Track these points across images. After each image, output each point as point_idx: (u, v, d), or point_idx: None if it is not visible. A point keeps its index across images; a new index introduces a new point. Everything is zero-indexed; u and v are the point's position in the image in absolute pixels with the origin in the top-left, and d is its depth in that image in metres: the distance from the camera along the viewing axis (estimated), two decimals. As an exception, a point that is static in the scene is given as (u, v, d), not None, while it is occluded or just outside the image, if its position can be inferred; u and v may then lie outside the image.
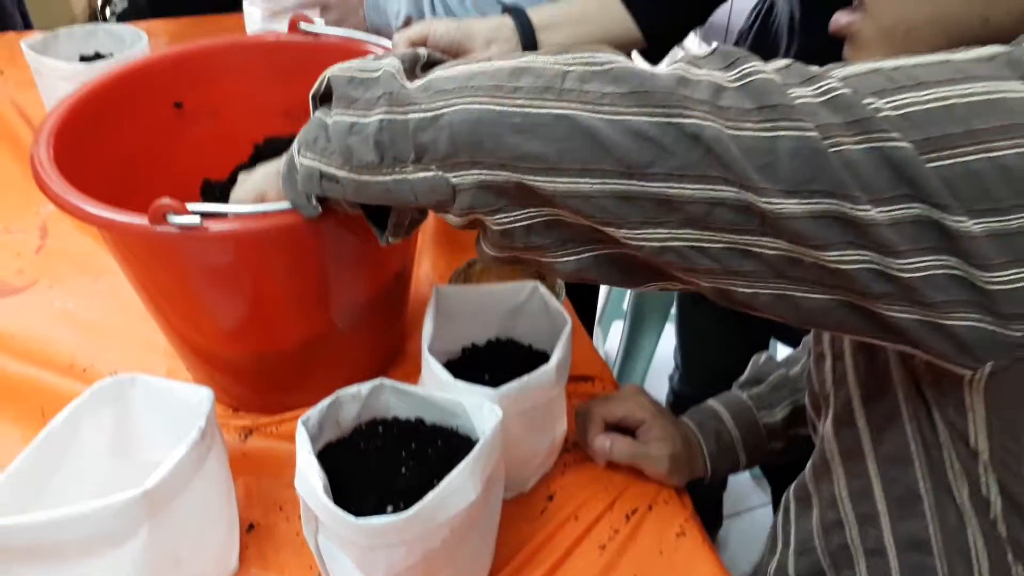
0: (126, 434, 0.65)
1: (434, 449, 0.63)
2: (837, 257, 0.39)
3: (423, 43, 0.77)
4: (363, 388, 0.63)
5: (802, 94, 0.39)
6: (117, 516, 0.54)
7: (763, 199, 0.39)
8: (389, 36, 0.94)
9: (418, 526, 0.53)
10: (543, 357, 0.72)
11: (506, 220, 0.47)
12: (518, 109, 0.43)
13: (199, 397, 0.61)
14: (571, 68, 0.44)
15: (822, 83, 0.39)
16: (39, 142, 0.66)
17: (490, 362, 0.75)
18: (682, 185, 0.40)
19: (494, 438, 0.58)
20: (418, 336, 0.71)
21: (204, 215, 0.57)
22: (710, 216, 0.41)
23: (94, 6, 2.51)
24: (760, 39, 0.94)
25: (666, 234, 0.42)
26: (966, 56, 0.40)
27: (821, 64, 0.43)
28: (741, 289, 0.43)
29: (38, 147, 0.65)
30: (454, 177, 0.46)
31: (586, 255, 0.48)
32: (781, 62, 0.42)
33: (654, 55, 0.92)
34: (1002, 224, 0.37)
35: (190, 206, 0.56)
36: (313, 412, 0.60)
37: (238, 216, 0.58)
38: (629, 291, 1.82)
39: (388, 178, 0.49)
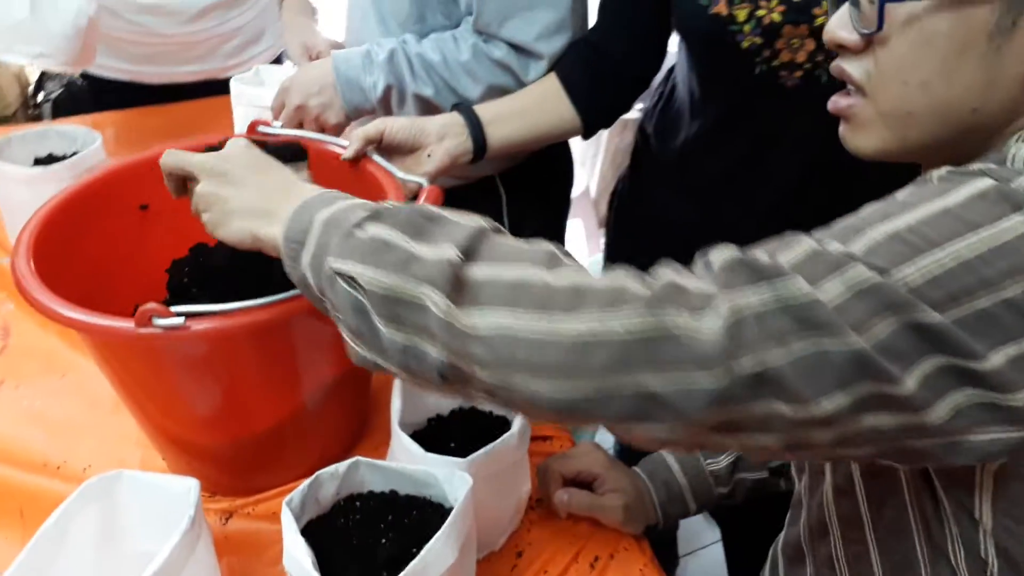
0: (114, 528, 0.68)
1: (410, 519, 0.68)
2: (873, 424, 0.42)
3: (380, 139, 0.84)
4: (340, 467, 0.68)
5: (834, 296, 0.41)
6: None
7: (813, 409, 0.42)
8: (369, 112, 1.01)
9: (403, 593, 0.58)
10: (504, 422, 0.78)
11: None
12: None
13: (185, 487, 0.65)
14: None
15: (847, 272, 0.42)
16: (19, 254, 0.70)
17: (456, 431, 0.80)
18: (740, 413, 0.42)
19: (466, 504, 0.63)
20: (383, 408, 0.77)
21: (187, 315, 0.61)
22: (766, 426, 0.43)
23: (27, 94, 2.52)
24: (664, 117, 1.03)
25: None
26: (962, 198, 0.44)
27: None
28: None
29: (19, 260, 0.69)
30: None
31: None
32: (803, 249, 0.44)
33: (587, 132, 1.01)
34: (1019, 349, 0.41)
35: (174, 308, 0.61)
36: (296, 493, 0.65)
37: (217, 314, 0.63)
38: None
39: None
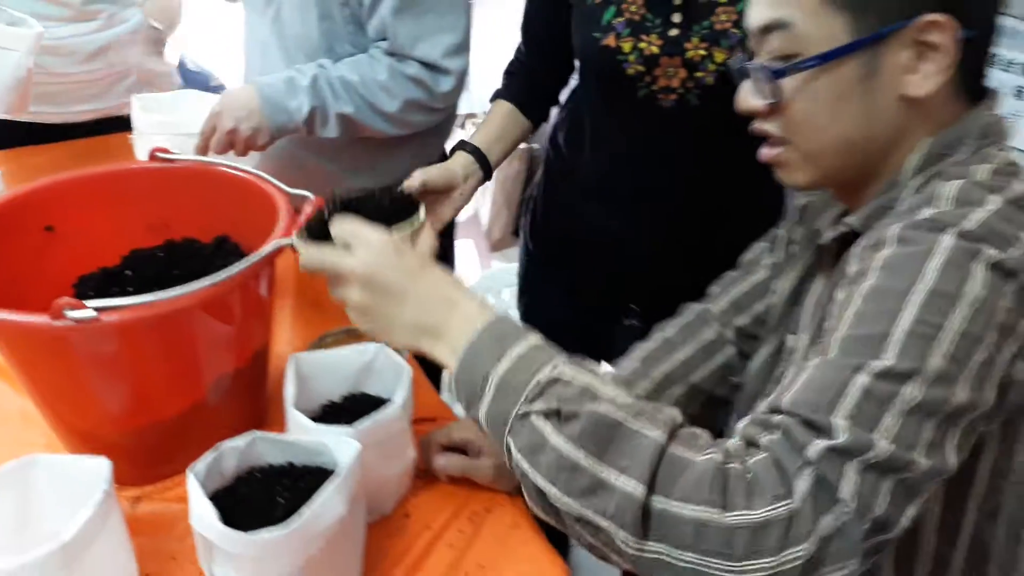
0: (28, 513, 0.74)
1: (305, 483, 0.77)
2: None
3: (424, 186, 1.01)
4: (240, 440, 0.76)
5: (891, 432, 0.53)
6: (38, 569, 0.64)
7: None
8: (293, 131, 1.15)
9: (298, 537, 0.67)
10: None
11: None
12: None
13: (97, 465, 0.73)
14: None
15: (896, 405, 0.54)
16: None
17: (347, 413, 0.89)
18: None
19: (354, 464, 0.73)
20: (280, 404, 0.86)
21: (99, 309, 0.69)
22: None
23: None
24: (570, 132, 1.21)
25: None
26: (938, 274, 0.56)
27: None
28: None
29: None
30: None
31: None
32: (841, 428, 0.53)
33: None
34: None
35: (87, 302, 0.69)
36: (200, 463, 0.73)
37: (127, 307, 0.71)
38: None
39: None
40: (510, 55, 1.25)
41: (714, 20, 0.98)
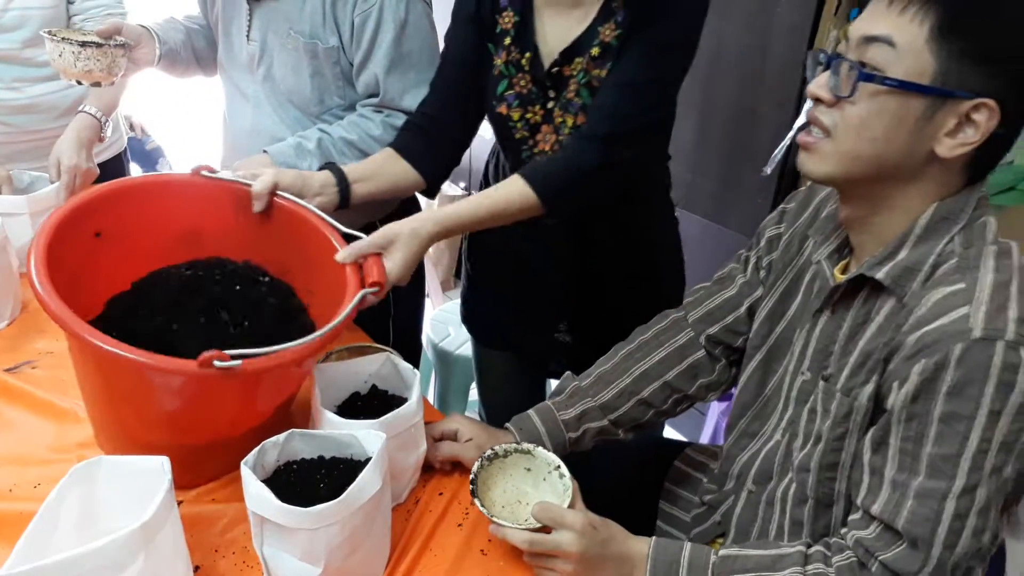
0: (92, 511, 0.83)
1: (338, 472, 0.88)
2: None
3: (276, 188, 1.07)
4: (280, 437, 0.88)
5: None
6: (122, 546, 0.73)
7: None
8: None
9: (345, 508, 0.79)
10: (398, 400, 1.01)
11: None
12: None
13: (158, 463, 0.82)
14: None
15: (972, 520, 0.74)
16: (45, 296, 0.85)
17: (363, 411, 1.01)
18: None
19: (384, 449, 0.85)
20: (297, 406, 0.97)
21: (241, 357, 0.81)
22: None
23: None
24: (495, 172, 1.36)
25: None
26: (996, 403, 0.72)
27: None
28: None
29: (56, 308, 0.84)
30: None
31: None
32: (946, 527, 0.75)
33: (431, 189, 1.30)
34: None
35: (229, 352, 0.80)
36: (249, 457, 0.84)
37: (262, 356, 0.83)
38: (433, 377, 2.13)
39: None
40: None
41: (567, 92, 1.15)
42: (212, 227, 1.09)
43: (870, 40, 0.77)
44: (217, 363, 0.80)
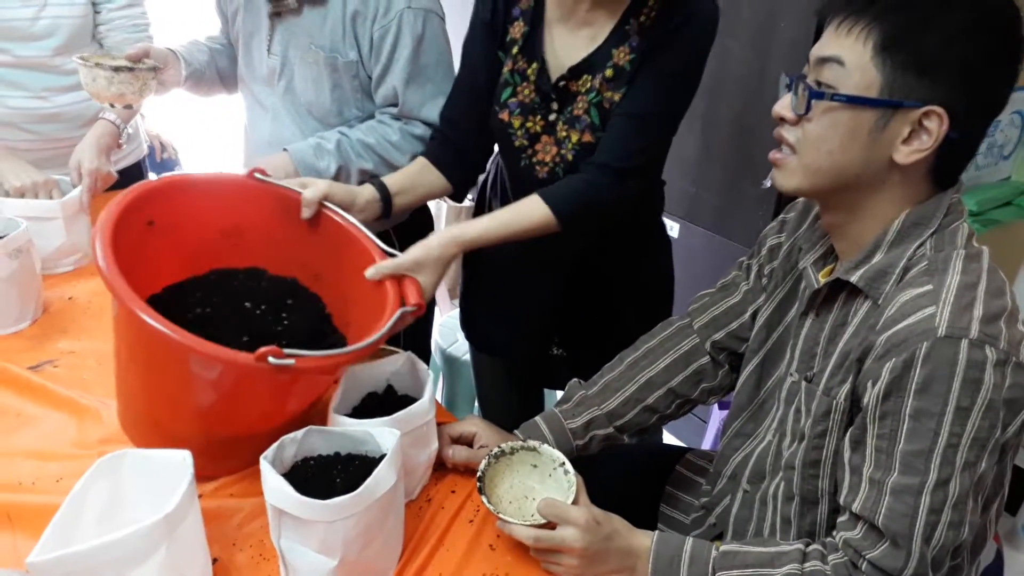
0: (120, 497, 0.86)
1: (353, 468, 0.91)
2: None
3: (325, 199, 1.12)
4: (298, 434, 0.91)
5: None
6: (147, 535, 0.76)
7: None
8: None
9: (361, 501, 0.82)
10: (411, 401, 1.04)
11: None
12: None
13: (180, 457, 0.86)
14: None
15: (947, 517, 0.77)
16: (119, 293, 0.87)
17: (377, 411, 1.04)
18: None
19: (398, 446, 0.88)
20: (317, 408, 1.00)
21: (297, 357, 0.85)
22: None
23: None
24: (494, 185, 1.41)
25: None
26: (963, 400, 0.75)
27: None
28: None
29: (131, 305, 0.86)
30: None
31: None
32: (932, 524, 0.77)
33: (459, 194, 1.36)
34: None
35: (286, 351, 0.84)
36: (268, 452, 0.87)
37: (319, 357, 0.88)
38: (440, 382, 2.16)
39: None
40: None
41: (574, 108, 1.19)
42: (255, 226, 1.14)
43: (824, 61, 0.83)
44: (272, 359, 0.84)
